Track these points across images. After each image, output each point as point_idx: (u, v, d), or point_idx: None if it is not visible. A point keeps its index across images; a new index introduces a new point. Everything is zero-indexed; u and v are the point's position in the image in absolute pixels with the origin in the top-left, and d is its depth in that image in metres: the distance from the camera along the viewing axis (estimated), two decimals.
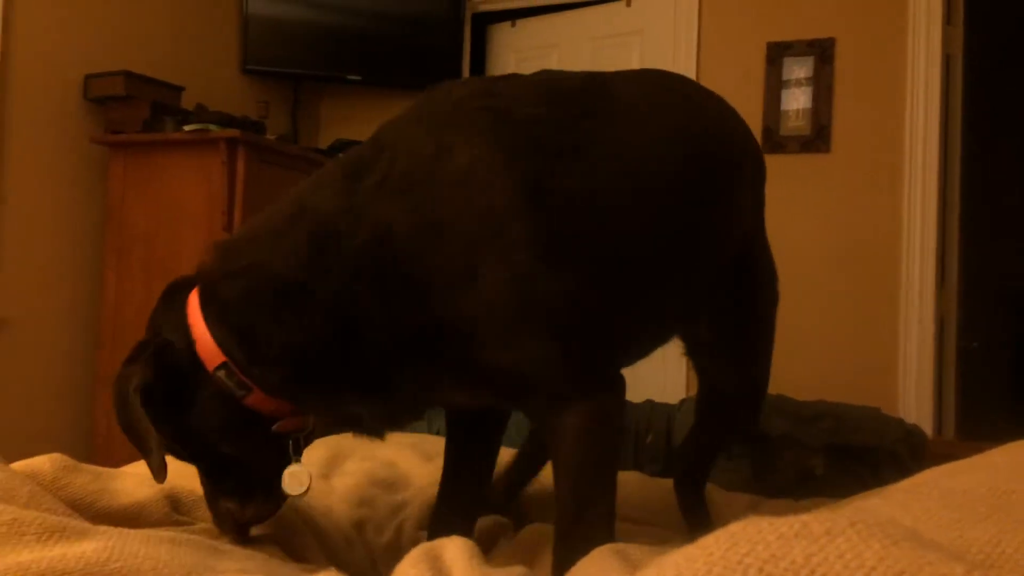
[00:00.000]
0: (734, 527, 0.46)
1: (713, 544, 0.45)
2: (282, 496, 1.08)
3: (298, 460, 1.06)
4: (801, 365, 3.35)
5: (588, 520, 0.97)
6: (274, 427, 1.02)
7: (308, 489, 1.08)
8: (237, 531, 1.10)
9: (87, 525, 0.86)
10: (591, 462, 0.99)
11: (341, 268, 0.94)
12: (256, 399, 0.99)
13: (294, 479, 1.06)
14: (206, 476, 1.11)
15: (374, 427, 1.07)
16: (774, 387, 2.81)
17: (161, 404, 0.98)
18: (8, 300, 2.88)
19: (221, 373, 0.98)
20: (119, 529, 0.89)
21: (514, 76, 1.13)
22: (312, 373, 0.98)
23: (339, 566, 1.10)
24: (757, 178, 1.43)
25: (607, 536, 0.95)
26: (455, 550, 0.78)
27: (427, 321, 0.94)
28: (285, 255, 0.96)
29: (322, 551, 1.21)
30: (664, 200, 1.09)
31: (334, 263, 0.94)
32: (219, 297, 0.98)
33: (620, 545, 0.84)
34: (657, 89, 1.21)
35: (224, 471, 1.07)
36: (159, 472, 1.00)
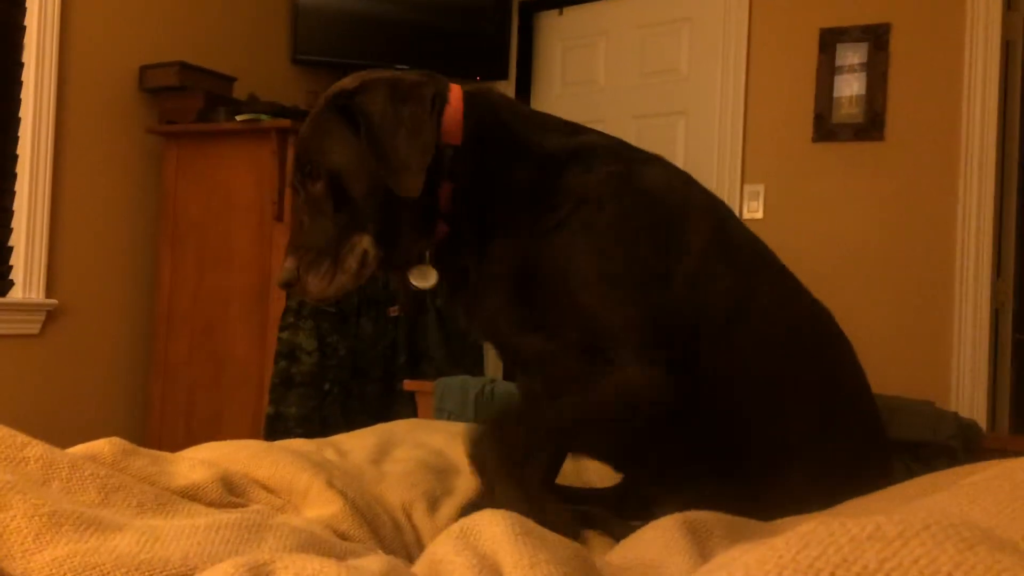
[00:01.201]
0: (805, 529, 0.46)
1: (783, 546, 0.44)
2: (350, 277, 1.17)
3: (428, 264, 1.22)
4: None
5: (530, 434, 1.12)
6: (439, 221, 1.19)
7: (432, 285, 1.22)
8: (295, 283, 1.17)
9: (123, 519, 0.88)
10: (592, 407, 1.13)
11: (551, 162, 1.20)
12: (445, 190, 1.17)
13: (423, 274, 1.22)
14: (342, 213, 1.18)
15: (460, 296, 1.24)
16: None
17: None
18: (66, 288, 2.95)
19: (450, 151, 1.16)
20: (155, 521, 0.92)
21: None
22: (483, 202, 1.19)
23: (387, 549, 1.12)
24: None
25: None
26: (496, 527, 0.75)
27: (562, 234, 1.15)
28: (531, 133, 1.22)
29: (371, 534, 1.23)
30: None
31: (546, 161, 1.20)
32: (481, 108, 1.20)
33: (688, 515, 0.83)
34: None
35: (362, 218, 1.17)
36: (417, 181, 1.11)
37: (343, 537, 1.19)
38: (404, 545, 1.27)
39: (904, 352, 3.31)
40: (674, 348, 1.14)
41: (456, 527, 0.79)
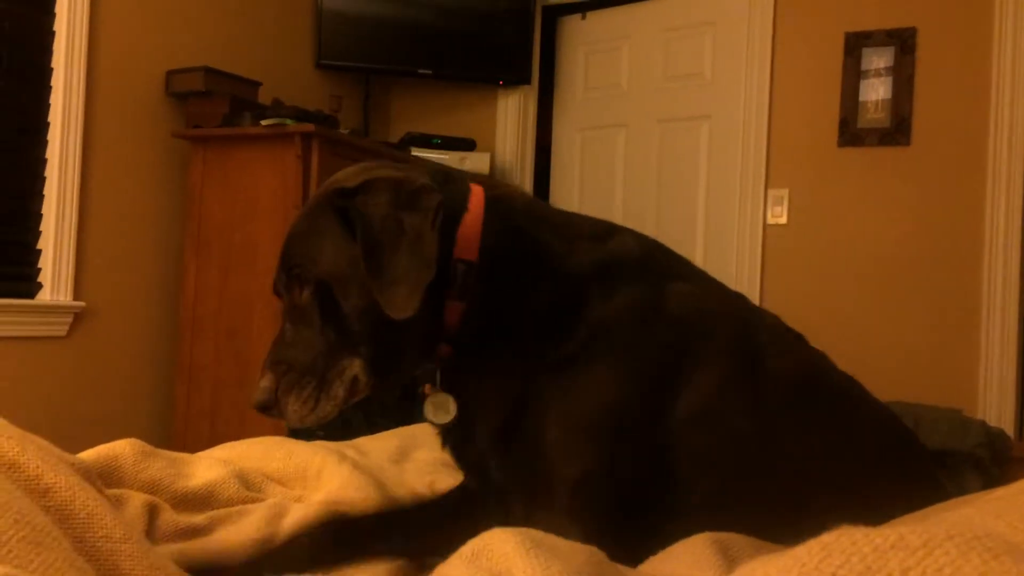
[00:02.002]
0: (827, 538, 0.45)
1: (806, 555, 0.44)
2: (336, 405, 1.05)
3: (440, 390, 1.10)
4: (878, 365, 3.27)
5: None
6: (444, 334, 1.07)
7: (453, 419, 1.10)
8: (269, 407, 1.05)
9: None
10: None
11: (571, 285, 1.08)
12: (453, 309, 1.06)
13: (439, 408, 1.10)
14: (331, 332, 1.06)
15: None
16: None
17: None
18: (92, 290, 2.99)
19: (463, 266, 1.05)
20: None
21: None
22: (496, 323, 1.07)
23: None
24: None
25: None
26: (507, 545, 0.74)
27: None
28: (554, 246, 1.10)
29: (383, 498, 1.26)
30: None
31: (567, 278, 1.09)
32: (502, 217, 1.09)
33: (720, 535, 0.83)
34: None
35: (353, 339, 1.04)
36: (411, 301, 0.99)
37: (353, 505, 1.22)
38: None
39: (930, 360, 3.28)
40: (648, 500, 1.02)
41: (467, 549, 0.78)
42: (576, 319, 1.05)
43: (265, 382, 1.03)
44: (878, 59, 3.43)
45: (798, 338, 1.20)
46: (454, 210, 1.05)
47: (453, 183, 1.10)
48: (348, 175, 1.10)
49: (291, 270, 1.05)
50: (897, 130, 3.38)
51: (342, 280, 1.02)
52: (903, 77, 3.38)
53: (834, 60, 3.50)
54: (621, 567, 0.78)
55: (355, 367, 1.03)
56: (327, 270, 1.03)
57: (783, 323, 1.21)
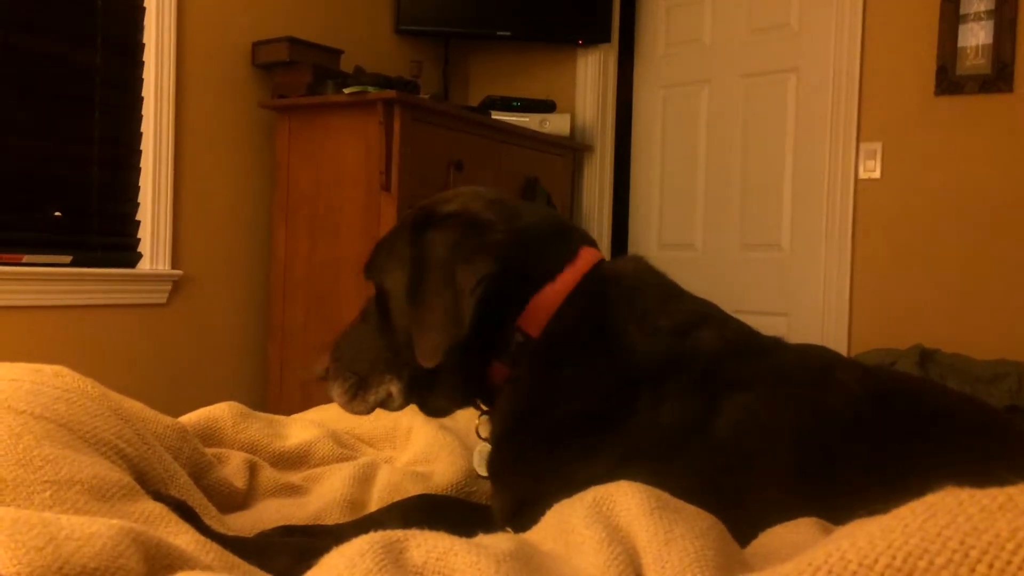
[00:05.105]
0: (932, 498, 0.44)
1: (910, 515, 0.43)
2: (367, 408, 1.10)
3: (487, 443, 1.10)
4: (980, 321, 3.14)
5: None
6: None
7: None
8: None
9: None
10: None
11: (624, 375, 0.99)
12: (498, 371, 1.04)
13: (484, 461, 1.12)
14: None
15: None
16: (950, 345, 2.65)
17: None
18: (189, 258, 3.10)
19: (520, 336, 1.02)
20: None
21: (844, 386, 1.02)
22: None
23: None
24: None
25: None
26: (632, 499, 0.73)
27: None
28: (628, 339, 1.01)
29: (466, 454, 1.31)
30: None
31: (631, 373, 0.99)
32: (592, 296, 1.03)
33: (821, 520, 0.82)
34: None
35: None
36: (436, 353, 0.99)
37: (443, 475, 1.26)
38: None
39: None
40: None
41: (590, 495, 0.78)
42: (612, 430, 0.97)
43: (323, 360, 1.11)
44: (978, 2, 3.25)
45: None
46: (538, 274, 1.02)
47: (554, 242, 1.06)
48: (449, 198, 1.09)
49: (368, 271, 1.10)
50: (999, 77, 3.20)
51: (397, 299, 1.05)
52: (1005, 20, 3.19)
53: (931, 4, 3.33)
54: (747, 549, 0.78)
55: (392, 385, 1.08)
56: (388, 287, 1.07)
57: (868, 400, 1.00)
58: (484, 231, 1.01)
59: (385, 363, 1.08)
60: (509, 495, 1.03)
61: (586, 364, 1.00)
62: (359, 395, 1.09)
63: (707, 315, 1.06)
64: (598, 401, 0.98)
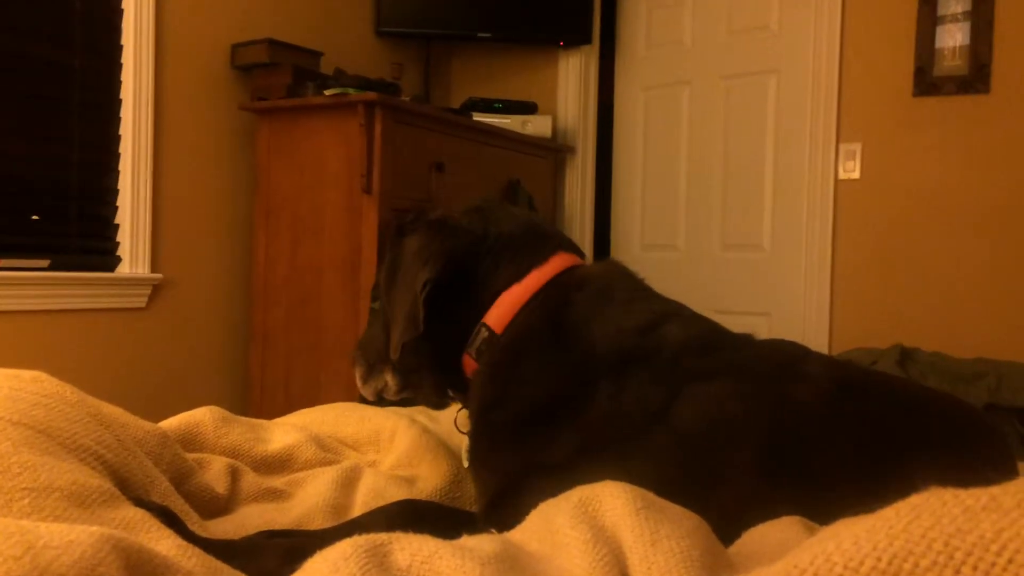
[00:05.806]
0: (916, 499, 0.44)
1: (894, 516, 0.43)
2: (372, 394, 1.26)
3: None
4: (959, 321, 3.17)
5: None
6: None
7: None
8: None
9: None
10: None
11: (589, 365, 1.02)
12: (468, 364, 1.12)
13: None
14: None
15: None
16: (930, 344, 2.67)
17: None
18: (168, 262, 3.07)
19: (485, 332, 1.09)
20: None
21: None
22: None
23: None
24: None
25: None
26: (617, 500, 0.73)
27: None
28: (591, 336, 1.04)
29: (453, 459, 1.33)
30: None
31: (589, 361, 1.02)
32: (557, 298, 1.08)
33: (805, 520, 0.82)
34: None
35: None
36: (395, 348, 1.10)
37: (427, 480, 1.26)
38: None
39: (1010, 315, 3.16)
40: None
41: (575, 495, 0.78)
42: (571, 420, 0.98)
43: (353, 350, 1.28)
44: (955, 3, 3.28)
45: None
46: (507, 275, 1.09)
47: (527, 246, 1.12)
48: (440, 206, 1.23)
49: (379, 268, 1.25)
50: (976, 78, 3.24)
51: (383, 297, 1.18)
52: (982, 21, 3.23)
53: (908, 5, 3.36)
54: (731, 549, 0.78)
55: (387, 375, 1.22)
56: (380, 282, 1.19)
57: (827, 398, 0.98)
58: (447, 236, 1.09)
59: (385, 356, 1.18)
60: (482, 486, 1.07)
61: (545, 358, 1.04)
62: (368, 381, 1.24)
63: (673, 313, 1.08)
64: (556, 392, 1.00)
